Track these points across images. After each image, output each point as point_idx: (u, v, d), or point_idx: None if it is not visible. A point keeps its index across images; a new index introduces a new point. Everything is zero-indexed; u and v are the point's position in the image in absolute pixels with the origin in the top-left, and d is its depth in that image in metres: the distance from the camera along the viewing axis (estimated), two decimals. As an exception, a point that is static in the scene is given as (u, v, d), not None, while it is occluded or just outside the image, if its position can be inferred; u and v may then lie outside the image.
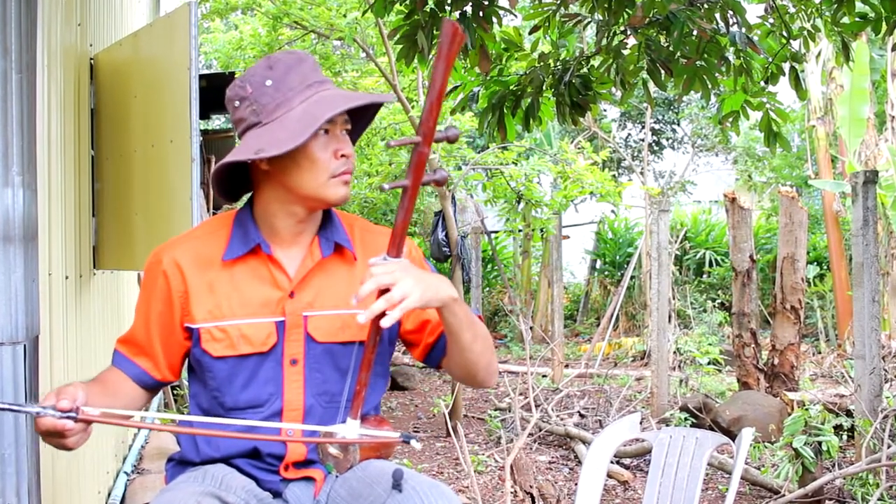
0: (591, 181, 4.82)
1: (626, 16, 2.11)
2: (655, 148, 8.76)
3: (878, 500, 2.29)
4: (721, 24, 2.12)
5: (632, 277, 6.72)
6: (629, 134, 8.92)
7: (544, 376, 4.79)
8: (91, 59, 2.12)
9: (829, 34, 2.34)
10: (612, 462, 2.69)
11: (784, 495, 2.50)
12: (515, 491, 2.40)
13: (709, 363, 4.49)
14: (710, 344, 4.77)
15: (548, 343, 5.06)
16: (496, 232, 7.60)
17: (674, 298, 5.60)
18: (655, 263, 3.90)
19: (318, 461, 1.04)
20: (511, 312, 6.31)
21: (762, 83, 2.39)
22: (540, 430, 3.47)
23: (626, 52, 2.25)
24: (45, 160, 1.58)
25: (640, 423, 1.69)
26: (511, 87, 2.40)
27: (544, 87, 2.35)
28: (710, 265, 7.52)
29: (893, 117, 5.42)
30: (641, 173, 7.62)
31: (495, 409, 4.02)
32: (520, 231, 6.56)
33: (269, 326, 1.01)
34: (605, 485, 1.80)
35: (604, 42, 2.17)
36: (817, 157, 6.24)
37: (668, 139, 8.87)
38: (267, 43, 4.42)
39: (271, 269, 1.03)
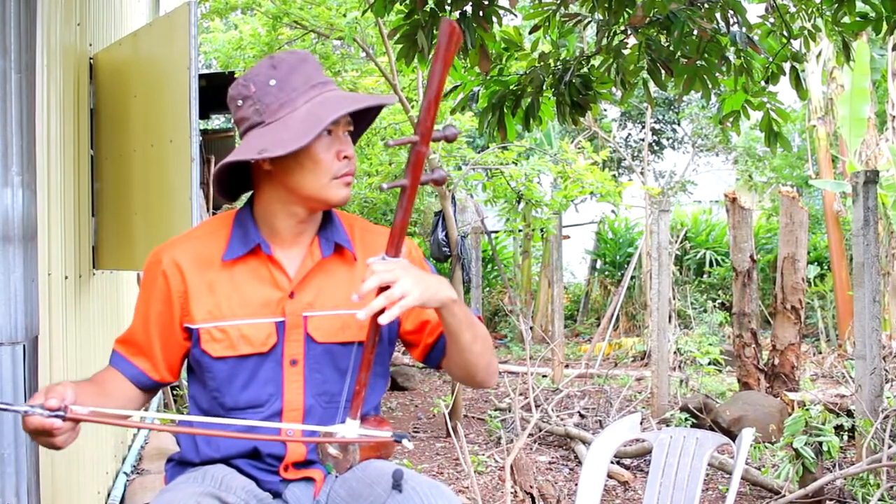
0: (591, 181, 4.82)
1: (626, 15, 2.11)
2: (656, 148, 8.76)
3: (879, 500, 2.29)
4: (721, 23, 2.12)
5: (632, 277, 6.72)
6: (629, 134, 8.92)
7: (544, 376, 4.78)
8: (90, 58, 2.11)
9: (829, 34, 2.33)
10: (612, 462, 2.69)
11: (784, 496, 2.50)
12: (515, 491, 2.40)
13: (709, 363, 4.49)
14: (710, 344, 4.77)
15: (548, 343, 5.05)
16: (496, 232, 7.60)
17: (674, 298, 5.60)
18: (656, 263, 3.90)
19: (317, 461, 1.04)
20: (511, 312, 6.31)
21: (763, 83, 2.38)
22: (540, 431, 3.47)
23: (626, 51, 2.25)
24: (44, 160, 1.58)
25: (641, 423, 1.69)
26: (511, 87, 2.39)
27: (544, 87, 2.35)
28: (711, 265, 7.51)
29: (894, 117, 5.42)
30: (642, 173, 7.62)
31: (495, 410, 4.02)
32: (520, 231, 6.56)
33: (269, 327, 1.01)
34: (605, 485, 1.79)
35: (604, 42, 2.17)
36: (818, 156, 6.23)
37: (668, 139, 8.87)
38: (267, 43, 4.42)
39: (271, 269, 1.03)
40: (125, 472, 2.61)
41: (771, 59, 2.32)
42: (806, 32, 2.32)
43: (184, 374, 1.11)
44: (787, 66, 2.34)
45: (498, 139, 2.52)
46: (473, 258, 5.67)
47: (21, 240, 1.24)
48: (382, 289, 0.90)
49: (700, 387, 4.24)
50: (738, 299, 3.98)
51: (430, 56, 2.11)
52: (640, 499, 2.73)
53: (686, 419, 3.45)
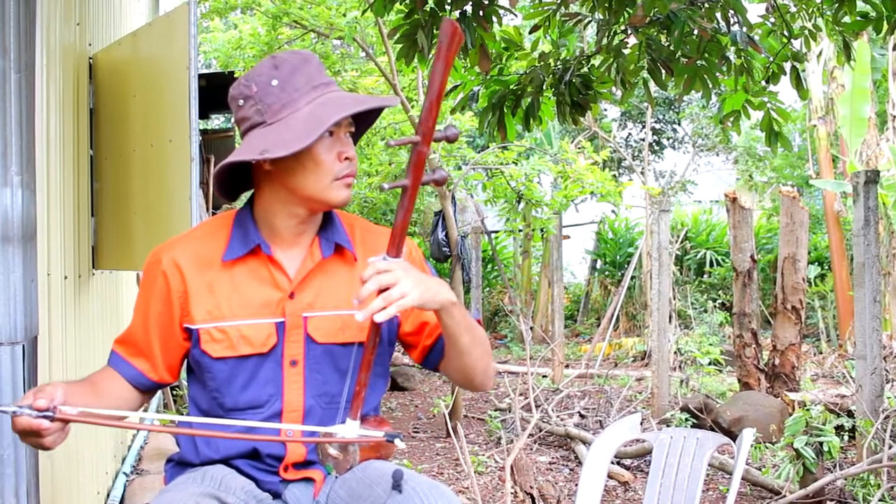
0: (591, 181, 4.81)
1: (626, 15, 2.10)
2: (656, 147, 8.76)
3: (880, 500, 2.29)
4: (722, 23, 2.11)
5: (632, 277, 6.72)
6: (630, 133, 8.92)
7: (544, 377, 4.78)
8: (90, 58, 2.11)
9: (830, 33, 2.33)
10: (612, 463, 2.69)
11: (785, 496, 2.50)
12: (515, 491, 2.39)
13: (709, 363, 4.48)
14: (710, 344, 4.77)
15: (548, 343, 5.05)
16: (496, 232, 7.60)
17: (674, 298, 5.60)
18: (656, 263, 3.89)
19: (317, 462, 1.03)
20: (511, 313, 6.31)
21: (763, 82, 2.38)
22: (540, 431, 3.46)
23: (626, 51, 2.25)
24: (43, 160, 1.58)
25: (641, 423, 1.69)
26: (511, 87, 2.39)
27: (544, 87, 2.35)
28: (711, 265, 7.51)
29: (894, 117, 5.41)
30: (642, 173, 7.62)
31: (495, 410, 4.02)
32: (520, 231, 6.55)
33: (269, 327, 1.01)
34: (605, 485, 1.79)
35: (604, 41, 2.17)
36: (818, 156, 6.23)
37: (668, 139, 8.87)
38: (266, 42, 4.42)
39: (271, 269, 1.03)
40: (125, 473, 2.61)
41: (771, 59, 2.32)
42: (806, 32, 2.31)
43: (184, 374, 1.11)
44: (787, 65, 2.33)
45: (498, 139, 2.52)
46: (473, 258, 5.67)
47: (20, 240, 1.24)
48: (382, 290, 0.90)
49: (700, 387, 4.24)
50: (739, 299, 3.98)
51: (431, 56, 2.11)
52: (640, 499, 2.73)
53: (686, 419, 3.44)
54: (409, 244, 1.06)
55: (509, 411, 3.68)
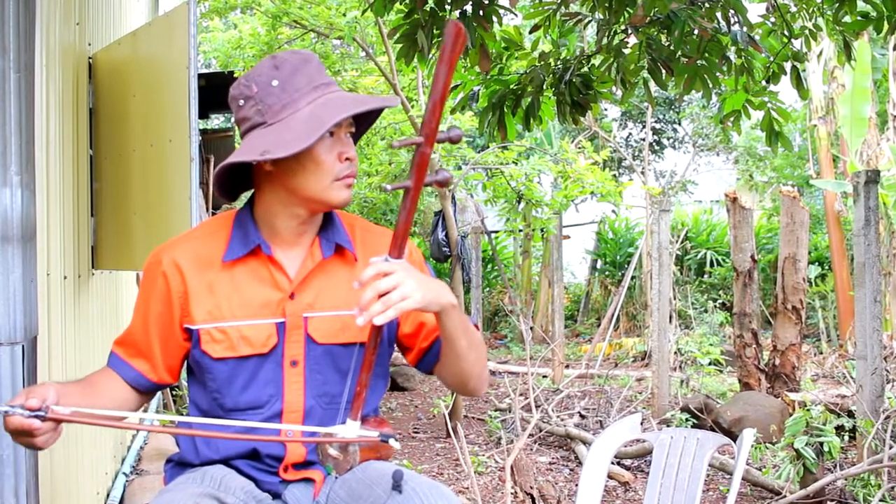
0: (591, 181, 4.81)
1: (626, 15, 2.10)
2: (656, 147, 8.75)
3: (880, 500, 2.28)
4: (722, 23, 2.11)
5: (632, 277, 6.71)
6: (630, 133, 8.92)
7: (545, 377, 4.78)
8: (90, 58, 2.11)
9: (830, 33, 2.33)
10: (612, 463, 2.68)
11: (785, 496, 2.50)
12: (516, 492, 2.39)
13: (710, 364, 4.48)
14: (711, 344, 4.76)
15: (548, 343, 5.05)
16: (496, 232, 7.60)
17: (675, 299, 5.59)
18: (656, 263, 3.89)
19: (317, 462, 1.03)
20: (511, 313, 6.31)
21: (763, 82, 2.38)
22: (540, 431, 3.46)
23: (626, 51, 2.25)
24: (43, 160, 1.58)
25: (641, 423, 1.69)
26: (511, 87, 2.39)
27: (545, 87, 2.35)
28: (711, 265, 7.51)
29: (895, 116, 5.41)
30: (642, 173, 7.62)
31: (495, 410, 4.01)
32: (520, 231, 6.55)
33: (270, 328, 1.01)
34: (605, 486, 1.79)
35: (604, 41, 2.17)
36: (819, 156, 6.22)
37: (668, 139, 8.86)
38: (266, 42, 4.42)
39: (271, 270, 1.03)
40: (124, 473, 2.61)
41: (772, 59, 2.32)
42: (807, 32, 2.31)
43: (184, 375, 1.11)
44: (787, 65, 2.33)
45: (498, 139, 2.52)
46: (473, 258, 5.66)
47: (20, 240, 1.24)
48: (382, 294, 0.90)
49: (701, 387, 4.24)
50: (739, 299, 3.98)
51: (431, 56, 2.11)
52: (640, 499, 2.73)
53: (687, 419, 3.44)
54: (408, 245, 1.06)
55: (509, 411, 3.68)
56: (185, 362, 1.07)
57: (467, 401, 4.37)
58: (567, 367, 5.13)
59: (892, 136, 5.43)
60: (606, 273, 8.02)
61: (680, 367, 4.50)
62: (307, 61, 0.99)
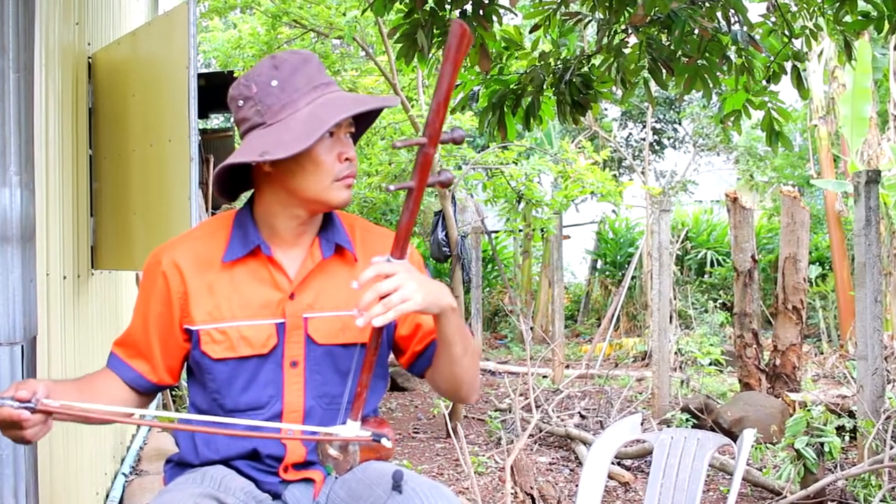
0: (591, 181, 4.81)
1: (627, 14, 2.10)
2: (656, 147, 8.75)
3: (881, 501, 2.28)
4: (723, 22, 2.11)
5: (633, 277, 6.71)
6: (630, 133, 8.91)
7: (545, 377, 4.78)
8: (89, 58, 2.11)
9: (831, 33, 2.33)
10: (612, 463, 2.68)
11: (786, 496, 2.49)
12: (516, 492, 2.39)
13: (710, 364, 4.48)
14: (711, 344, 4.76)
15: (548, 343, 5.05)
16: (496, 232, 7.60)
17: (675, 299, 5.59)
18: (656, 263, 3.89)
19: (317, 463, 1.03)
20: (511, 313, 6.30)
21: (764, 82, 2.38)
22: (540, 431, 3.46)
23: (627, 50, 2.24)
24: (42, 160, 1.58)
25: (641, 424, 1.69)
26: (511, 86, 2.39)
27: (545, 86, 2.35)
28: (712, 265, 7.50)
29: None
30: (642, 173, 7.62)
31: (495, 410, 4.01)
32: (520, 231, 6.55)
33: (270, 328, 1.01)
34: (605, 486, 1.79)
35: (605, 41, 2.16)
36: (819, 156, 6.22)
37: (669, 138, 8.86)
38: (266, 42, 4.42)
39: (271, 270, 1.03)
40: (124, 473, 2.60)
41: (772, 59, 2.31)
42: (807, 31, 2.31)
43: (183, 375, 1.11)
44: (788, 65, 2.33)
45: (498, 139, 2.52)
46: (473, 258, 5.66)
47: (19, 240, 1.24)
48: (382, 296, 0.90)
49: (701, 387, 4.23)
50: (740, 299, 3.97)
51: (431, 55, 2.11)
52: (640, 500, 2.73)
53: (687, 420, 3.44)
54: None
55: (509, 412, 3.68)
56: (185, 363, 1.07)
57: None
58: (567, 367, 5.13)
59: (893, 136, 5.43)
60: (607, 273, 8.02)
61: (680, 367, 4.50)
62: (306, 61, 0.99)
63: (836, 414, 2.86)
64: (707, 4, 2.06)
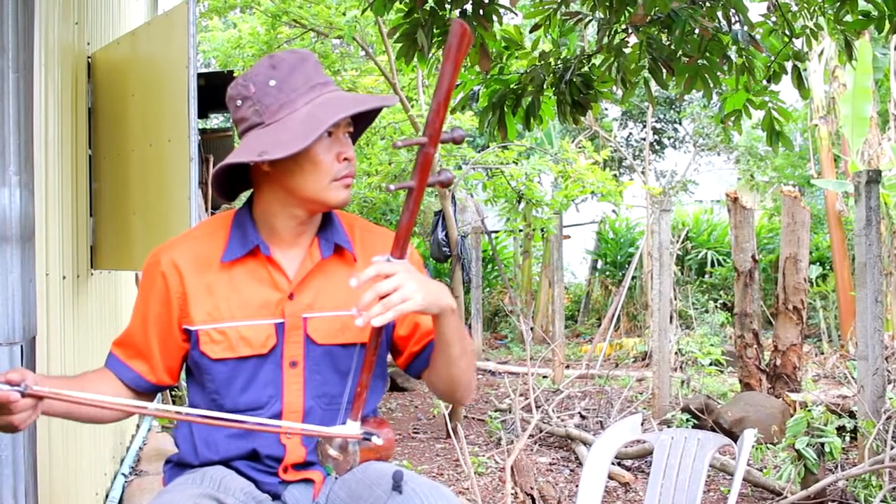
0: (592, 180, 4.81)
1: (627, 14, 2.10)
2: (657, 147, 8.74)
3: (881, 501, 2.28)
4: (723, 22, 2.11)
5: (633, 277, 6.71)
6: (630, 133, 8.91)
7: (545, 377, 4.77)
8: (88, 57, 2.11)
9: (831, 32, 2.32)
10: (613, 463, 2.68)
11: (786, 497, 2.49)
12: (516, 492, 2.39)
13: (710, 364, 4.47)
14: (711, 345, 4.75)
15: (548, 344, 5.05)
16: (496, 232, 7.59)
17: (675, 299, 5.59)
18: (657, 263, 3.89)
19: (317, 463, 1.03)
20: (511, 313, 6.30)
21: (764, 82, 2.37)
22: (540, 432, 3.46)
23: (627, 50, 2.24)
24: (42, 159, 1.58)
25: (642, 424, 1.68)
26: (511, 86, 2.39)
27: (545, 86, 2.35)
28: (712, 265, 7.50)
29: (896, 116, 5.40)
30: (643, 173, 7.61)
31: (496, 411, 4.01)
32: (520, 231, 6.55)
33: (269, 328, 1.01)
34: (606, 486, 1.78)
35: (605, 40, 2.16)
36: (820, 156, 6.22)
37: (669, 138, 8.85)
38: (266, 41, 4.42)
39: (270, 270, 1.02)
40: (123, 474, 2.60)
41: (773, 58, 2.31)
42: (808, 31, 2.30)
43: (183, 376, 1.10)
44: (788, 64, 2.33)
45: (498, 138, 2.52)
46: (473, 258, 5.66)
47: (19, 240, 1.24)
48: (382, 296, 0.90)
49: (701, 387, 4.23)
50: (740, 299, 3.97)
51: (431, 55, 2.10)
52: (641, 500, 2.72)
53: (687, 420, 3.44)
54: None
55: (509, 412, 3.68)
56: (184, 364, 1.07)
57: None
58: (567, 367, 5.12)
59: (894, 136, 5.42)
60: (607, 273, 8.01)
61: (681, 367, 4.49)
62: (305, 60, 0.99)
63: (837, 414, 2.86)
64: (707, 4, 2.06)
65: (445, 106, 0.83)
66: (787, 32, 2.26)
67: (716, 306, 6.18)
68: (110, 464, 2.46)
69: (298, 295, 1.02)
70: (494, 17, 2.11)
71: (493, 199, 5.16)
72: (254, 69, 0.99)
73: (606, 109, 8.47)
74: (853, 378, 3.49)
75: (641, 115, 8.28)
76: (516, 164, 4.78)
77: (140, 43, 1.98)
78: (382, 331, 0.95)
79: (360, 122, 1.06)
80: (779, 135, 2.44)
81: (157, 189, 1.87)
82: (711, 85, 2.21)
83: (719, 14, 2.09)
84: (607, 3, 2.06)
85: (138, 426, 3.17)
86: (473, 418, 4.05)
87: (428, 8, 2.02)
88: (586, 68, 2.33)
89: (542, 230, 6.46)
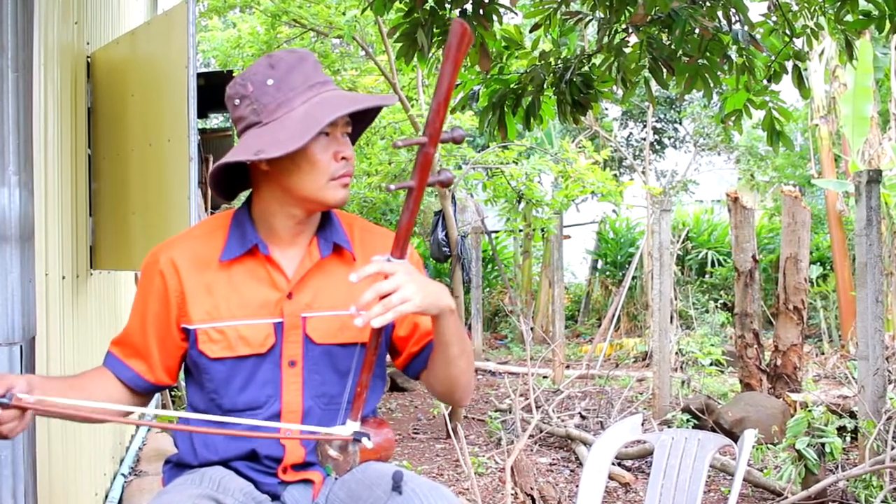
0: (592, 180, 4.81)
1: (627, 14, 2.09)
2: (657, 147, 8.74)
3: (882, 502, 2.28)
4: (723, 22, 2.10)
5: (633, 277, 6.70)
6: (631, 133, 8.91)
7: (545, 377, 4.77)
8: (88, 57, 2.11)
9: (832, 32, 2.32)
10: (613, 464, 2.68)
11: (787, 497, 2.49)
12: (516, 493, 2.38)
13: (711, 364, 4.47)
14: (712, 345, 4.75)
15: (549, 344, 5.04)
16: (496, 232, 7.59)
17: (676, 299, 5.58)
18: (657, 263, 3.88)
19: (316, 463, 1.03)
20: (512, 313, 6.30)
21: (765, 81, 2.37)
22: (541, 432, 3.45)
23: (627, 50, 2.24)
24: (41, 159, 1.57)
25: (642, 424, 1.68)
26: (512, 86, 2.38)
27: (545, 86, 2.34)
28: (713, 265, 7.50)
29: (896, 116, 5.40)
30: (643, 172, 7.61)
31: (496, 411, 4.01)
32: (520, 231, 6.55)
33: (268, 328, 1.00)
34: (606, 487, 1.78)
35: (605, 40, 2.16)
36: (820, 156, 6.21)
37: (669, 138, 8.85)
38: (265, 41, 4.42)
39: (269, 269, 1.02)
40: (123, 474, 2.60)
41: (773, 58, 2.31)
42: (808, 31, 2.30)
43: (182, 376, 1.10)
44: (789, 64, 2.32)
45: (498, 138, 2.51)
46: (473, 258, 5.66)
47: (18, 240, 1.23)
48: (382, 296, 0.90)
49: (702, 388, 4.23)
50: (740, 300, 3.97)
51: (430, 55, 2.10)
52: (641, 500, 2.72)
53: (688, 420, 3.43)
54: (406, 245, 1.05)
55: (510, 412, 3.67)
56: (183, 363, 1.06)
57: (471, 398, 4.35)
58: (567, 367, 5.12)
59: (894, 136, 5.42)
60: (607, 273, 8.01)
61: (681, 367, 4.49)
62: (303, 60, 0.99)
63: (838, 414, 2.86)
64: (708, 4, 2.06)
65: (446, 106, 0.83)
66: (787, 32, 2.25)
67: (716, 306, 6.18)
68: (110, 464, 2.46)
69: (297, 294, 1.01)
70: (494, 17, 2.10)
71: (493, 199, 5.16)
72: (252, 68, 0.99)
73: (607, 109, 8.46)
74: (854, 378, 3.49)
75: (642, 115, 8.28)
76: (516, 163, 4.78)
77: (139, 43, 1.97)
78: (382, 331, 0.95)
79: (360, 121, 1.05)
80: (779, 134, 2.44)
81: (156, 189, 1.87)
82: (712, 85, 2.20)
83: (719, 14, 2.09)
84: (607, 3, 2.06)
85: (138, 426, 3.16)
86: (473, 418, 4.04)
87: (428, 7, 2.02)
88: (586, 68, 2.33)
89: (542, 230, 6.46)
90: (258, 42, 4.48)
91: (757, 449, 2.90)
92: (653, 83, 2.26)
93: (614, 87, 2.38)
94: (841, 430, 2.75)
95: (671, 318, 4.50)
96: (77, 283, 1.97)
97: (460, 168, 5.12)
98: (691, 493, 1.50)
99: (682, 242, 6.83)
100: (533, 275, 7.52)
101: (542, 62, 2.31)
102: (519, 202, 5.14)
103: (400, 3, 2.11)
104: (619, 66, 2.21)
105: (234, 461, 1.02)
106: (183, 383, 3.22)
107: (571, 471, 3.10)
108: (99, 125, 2.10)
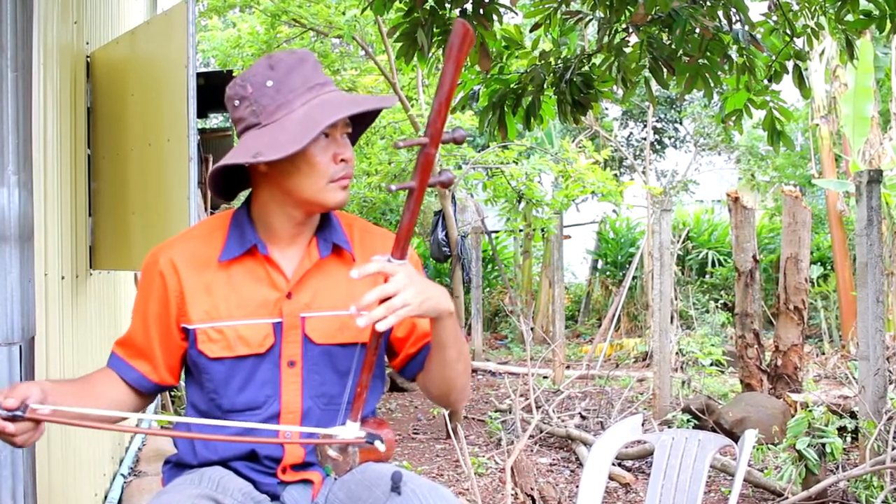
0: (592, 180, 4.81)
1: (627, 13, 2.09)
2: (657, 147, 8.74)
3: (883, 502, 2.27)
4: (724, 21, 2.10)
5: (634, 278, 6.70)
6: (631, 133, 8.91)
7: (545, 377, 4.77)
8: (87, 57, 2.10)
9: (832, 32, 2.32)
10: (613, 464, 2.67)
11: (787, 497, 2.49)
12: (516, 493, 2.38)
13: (711, 364, 4.47)
14: (712, 345, 4.75)
15: (549, 344, 5.04)
16: (497, 232, 7.59)
17: (676, 299, 5.58)
18: (657, 263, 3.88)
19: (316, 464, 1.03)
20: (512, 313, 6.30)
21: (765, 81, 2.37)
22: (541, 432, 3.45)
23: (627, 50, 2.24)
24: (40, 159, 1.57)
25: (642, 424, 1.68)
26: (512, 86, 2.38)
27: (545, 86, 2.34)
28: (713, 265, 7.49)
29: (897, 116, 5.39)
30: (643, 172, 7.61)
31: (496, 411, 4.00)
32: (520, 231, 6.54)
33: (267, 328, 1.00)
34: (606, 487, 1.78)
35: (605, 40, 2.16)
36: (821, 156, 6.21)
37: (670, 138, 8.85)
38: (265, 41, 4.42)
39: (268, 269, 1.02)
40: (122, 474, 2.60)
41: (774, 58, 2.31)
42: (809, 30, 2.30)
43: (182, 376, 1.10)
44: (790, 64, 2.32)
45: (498, 138, 2.51)
46: (473, 258, 5.66)
47: (17, 240, 1.23)
48: (384, 298, 0.90)
49: (702, 388, 4.23)
50: (741, 300, 3.96)
51: (430, 54, 2.10)
52: (641, 501, 2.72)
53: (688, 420, 3.43)
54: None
55: (510, 412, 3.67)
56: (184, 363, 1.06)
57: (467, 402, 4.36)
58: (568, 367, 5.12)
59: (895, 136, 5.41)
60: (607, 273, 8.00)
61: (681, 367, 4.49)
62: (303, 61, 0.99)
63: (838, 414, 2.85)
64: (708, 3, 2.06)
65: (447, 106, 0.83)
66: (788, 32, 2.25)
67: (716, 306, 6.18)
68: (109, 464, 2.46)
69: (296, 294, 1.01)
70: (494, 17, 2.10)
71: (493, 198, 5.16)
72: (252, 69, 0.99)
73: (607, 109, 8.46)
74: (854, 378, 3.49)
75: (642, 115, 8.28)
76: (516, 163, 4.78)
77: (139, 42, 1.97)
78: (383, 331, 0.95)
79: (360, 122, 1.05)
80: (780, 134, 2.44)
81: (156, 189, 1.87)
82: (712, 84, 2.20)
83: (720, 13, 2.08)
84: (608, 3, 2.06)
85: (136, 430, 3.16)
86: (473, 419, 4.04)
87: (428, 7, 2.02)
88: (587, 68, 2.32)
89: (542, 230, 6.46)
90: (258, 42, 4.48)
91: (757, 449, 2.89)
92: (653, 83, 2.25)
93: (614, 87, 2.37)
94: (841, 431, 2.74)
95: (671, 318, 4.50)
96: (76, 283, 1.97)
97: (460, 168, 5.12)
98: (691, 493, 1.50)
99: (683, 242, 6.83)
100: (533, 275, 7.52)
101: (543, 62, 2.31)
102: (519, 202, 5.14)
103: (400, 2, 2.11)
104: (619, 66, 2.20)
105: (233, 461, 1.02)
106: (183, 383, 3.22)
107: (571, 471, 3.10)
108: (98, 125, 2.10)
